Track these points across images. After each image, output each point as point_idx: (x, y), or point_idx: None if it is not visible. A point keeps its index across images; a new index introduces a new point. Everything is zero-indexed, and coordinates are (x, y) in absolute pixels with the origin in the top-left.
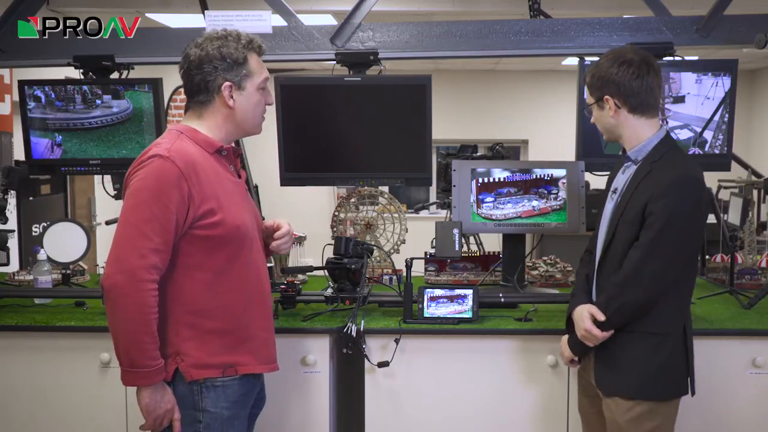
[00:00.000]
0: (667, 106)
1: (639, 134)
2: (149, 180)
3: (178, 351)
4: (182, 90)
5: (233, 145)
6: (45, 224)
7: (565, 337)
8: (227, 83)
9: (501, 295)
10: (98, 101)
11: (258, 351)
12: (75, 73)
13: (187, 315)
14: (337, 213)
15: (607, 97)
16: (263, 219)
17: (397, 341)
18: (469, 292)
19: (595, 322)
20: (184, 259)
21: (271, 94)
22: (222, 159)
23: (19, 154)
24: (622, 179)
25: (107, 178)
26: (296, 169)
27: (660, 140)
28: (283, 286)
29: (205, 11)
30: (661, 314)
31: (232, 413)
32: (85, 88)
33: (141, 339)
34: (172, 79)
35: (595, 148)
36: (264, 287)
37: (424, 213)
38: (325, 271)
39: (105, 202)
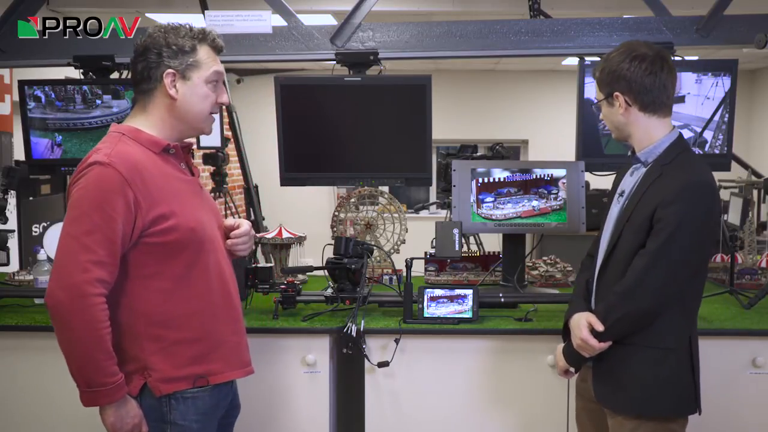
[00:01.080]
0: None
1: (650, 134)
2: (89, 189)
3: (145, 366)
4: None
5: (184, 141)
6: (45, 224)
7: (560, 346)
8: (170, 71)
9: (501, 295)
10: (98, 101)
11: (229, 356)
12: (75, 73)
13: (150, 327)
14: (337, 213)
15: (617, 93)
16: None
17: (397, 341)
18: (469, 292)
19: (593, 331)
20: (139, 270)
21: (225, 92)
22: (170, 158)
23: (19, 154)
24: (630, 182)
25: None
26: (296, 169)
27: (672, 142)
28: (283, 286)
29: (205, 11)
30: (665, 327)
31: (201, 425)
32: (85, 88)
33: (95, 357)
34: None
35: (595, 148)
36: (230, 289)
37: (424, 213)
38: (325, 271)
39: None
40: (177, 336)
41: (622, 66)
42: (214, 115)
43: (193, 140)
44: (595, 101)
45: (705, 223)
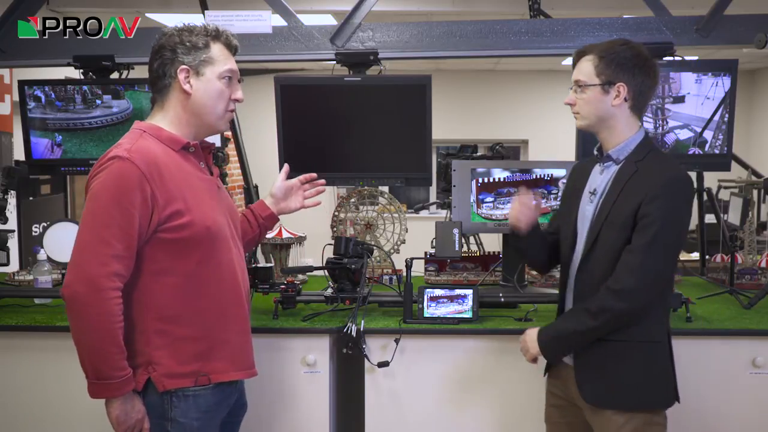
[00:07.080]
0: (667, 106)
1: (624, 132)
2: (108, 183)
3: (150, 360)
4: None
5: (205, 140)
6: (45, 224)
7: (534, 330)
8: (183, 66)
9: (501, 295)
10: (98, 101)
11: (234, 356)
12: (75, 73)
13: (157, 322)
14: (337, 213)
15: (621, 84)
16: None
17: (397, 341)
18: (469, 292)
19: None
20: (152, 265)
21: (239, 89)
22: (190, 156)
23: (19, 154)
24: (601, 180)
25: None
26: (296, 169)
27: (641, 140)
28: (283, 286)
29: (205, 11)
30: (652, 321)
31: (202, 423)
32: (85, 88)
33: (107, 350)
34: None
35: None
36: (240, 289)
37: (424, 213)
38: (325, 271)
39: None
40: (183, 332)
41: (635, 62)
42: (231, 113)
43: (215, 141)
44: (582, 83)
45: (685, 216)
